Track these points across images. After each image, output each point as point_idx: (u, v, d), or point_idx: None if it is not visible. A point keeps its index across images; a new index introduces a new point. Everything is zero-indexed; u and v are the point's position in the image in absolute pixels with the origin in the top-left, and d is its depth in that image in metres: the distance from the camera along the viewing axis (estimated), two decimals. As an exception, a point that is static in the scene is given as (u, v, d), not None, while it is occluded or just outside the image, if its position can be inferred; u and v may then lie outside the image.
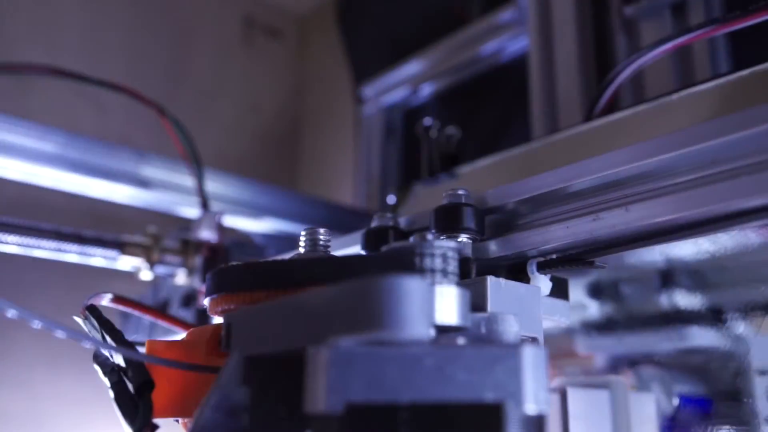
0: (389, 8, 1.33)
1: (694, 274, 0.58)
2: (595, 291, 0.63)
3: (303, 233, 0.44)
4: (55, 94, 1.15)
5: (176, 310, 0.85)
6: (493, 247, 0.49)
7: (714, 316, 0.58)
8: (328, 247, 0.44)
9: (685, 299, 0.59)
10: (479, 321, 0.38)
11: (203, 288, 0.83)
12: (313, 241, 0.43)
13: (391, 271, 0.30)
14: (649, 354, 0.62)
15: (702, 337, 0.59)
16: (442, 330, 0.36)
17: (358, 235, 0.54)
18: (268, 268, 0.39)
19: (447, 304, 0.34)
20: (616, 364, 0.65)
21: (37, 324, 0.36)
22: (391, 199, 1.16)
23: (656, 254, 0.52)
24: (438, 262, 0.35)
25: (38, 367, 1.03)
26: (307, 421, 0.33)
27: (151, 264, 0.84)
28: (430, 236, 0.36)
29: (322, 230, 0.43)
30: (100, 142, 0.92)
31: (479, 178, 0.74)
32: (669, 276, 0.58)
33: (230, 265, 0.40)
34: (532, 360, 0.31)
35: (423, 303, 0.30)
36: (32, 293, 1.04)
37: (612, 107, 0.67)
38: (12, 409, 1.00)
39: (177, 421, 0.42)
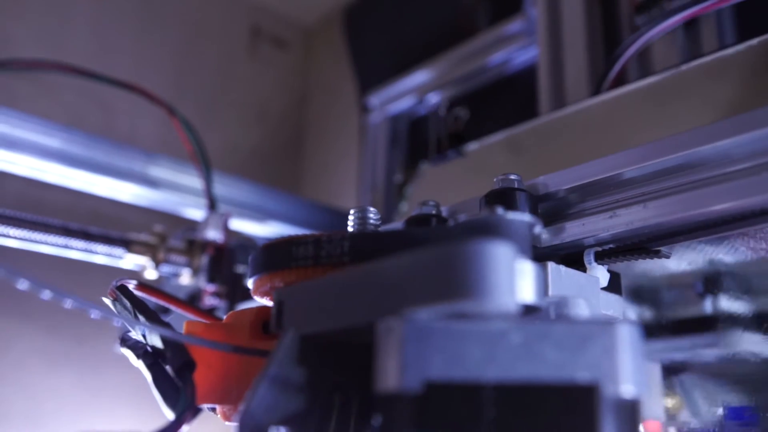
0: (395, 19, 1.32)
1: (739, 278, 0.55)
2: (634, 294, 0.60)
3: (352, 212, 0.41)
4: (60, 96, 1.13)
5: (180, 310, 0.84)
6: (546, 236, 0.46)
7: (760, 322, 0.55)
8: (378, 227, 0.41)
9: (730, 303, 0.56)
10: (549, 304, 0.35)
11: (208, 287, 0.82)
12: (362, 220, 0.40)
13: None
14: (691, 361, 0.59)
15: (748, 343, 0.56)
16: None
17: (399, 224, 0.51)
18: (321, 242, 0.36)
19: (526, 280, 0.31)
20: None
21: (68, 303, 0.33)
22: (397, 179, 1.13)
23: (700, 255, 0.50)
24: (515, 236, 0.32)
25: (37, 369, 1.00)
26: (374, 404, 0.30)
27: (157, 263, 0.83)
28: (500, 210, 0.34)
29: (372, 209, 0.41)
30: (110, 140, 0.91)
31: (488, 156, 0.72)
32: (712, 279, 0.56)
33: (277, 241, 0.37)
34: (628, 338, 0.28)
35: (511, 272, 0.28)
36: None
37: (620, 82, 0.66)
38: (10, 410, 0.96)
39: (213, 409, 0.39)
